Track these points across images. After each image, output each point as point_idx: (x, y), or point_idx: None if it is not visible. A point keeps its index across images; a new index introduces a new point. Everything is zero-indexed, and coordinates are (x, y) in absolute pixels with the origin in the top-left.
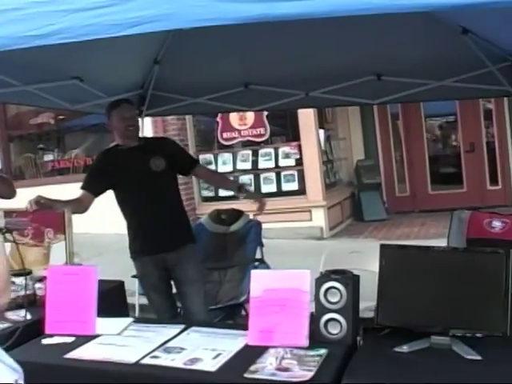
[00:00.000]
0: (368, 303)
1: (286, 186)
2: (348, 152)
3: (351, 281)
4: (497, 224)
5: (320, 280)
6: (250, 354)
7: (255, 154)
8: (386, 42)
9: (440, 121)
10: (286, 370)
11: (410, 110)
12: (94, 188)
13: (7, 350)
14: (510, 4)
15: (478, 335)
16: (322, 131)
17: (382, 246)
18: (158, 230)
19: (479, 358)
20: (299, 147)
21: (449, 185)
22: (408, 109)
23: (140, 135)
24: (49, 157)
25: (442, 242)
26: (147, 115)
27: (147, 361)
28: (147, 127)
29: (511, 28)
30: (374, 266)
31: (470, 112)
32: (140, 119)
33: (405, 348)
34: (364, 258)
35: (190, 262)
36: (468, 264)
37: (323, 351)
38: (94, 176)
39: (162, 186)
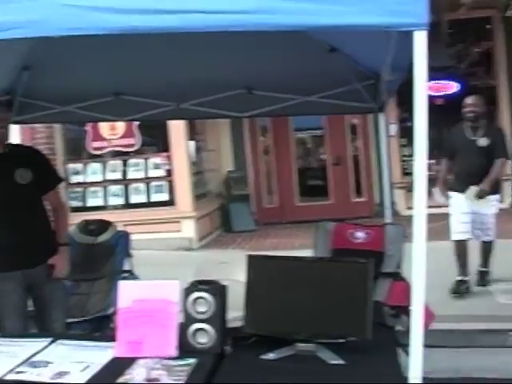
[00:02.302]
0: (236, 313)
1: (155, 197)
2: (218, 163)
3: (219, 291)
4: (360, 235)
5: (188, 290)
6: (119, 365)
7: (125, 163)
8: (257, 57)
9: (308, 134)
10: (156, 380)
11: (279, 123)
12: None
13: None
14: (370, 27)
15: (342, 341)
16: (192, 142)
17: (250, 257)
18: (19, 245)
19: (342, 362)
20: (169, 158)
21: (316, 197)
22: (277, 122)
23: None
24: None
25: (308, 253)
26: (15, 122)
27: (11, 376)
28: (14, 134)
29: (375, 48)
30: (243, 276)
31: (336, 126)
32: None
33: (271, 355)
34: (232, 268)
35: (52, 280)
36: (332, 273)
37: (192, 361)
38: None
39: (26, 199)
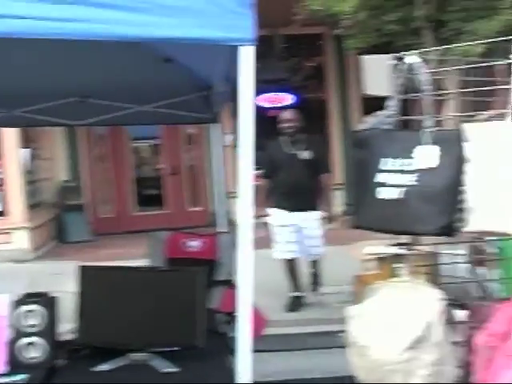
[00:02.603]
0: (69, 325)
1: None
2: (52, 172)
3: (49, 303)
4: (193, 244)
5: (17, 303)
6: None
7: None
8: (93, 65)
9: (145, 144)
10: None
11: (116, 132)
12: None
13: None
14: (201, 41)
15: (175, 349)
16: (27, 150)
17: (82, 268)
18: None
19: (175, 370)
20: (0, 166)
21: (153, 206)
22: (114, 131)
23: None
24: None
25: (144, 263)
26: None
27: None
28: None
29: (208, 60)
30: (75, 288)
31: (172, 136)
32: None
33: (104, 367)
34: (66, 279)
35: None
36: (165, 283)
37: (23, 376)
38: None
39: None
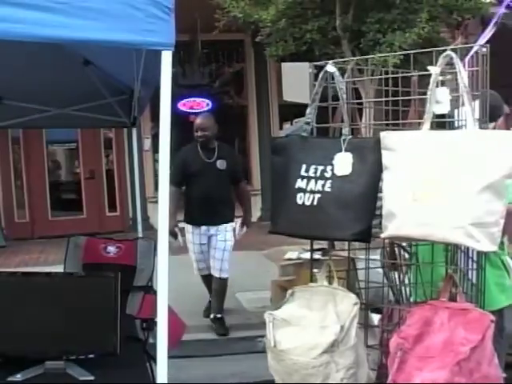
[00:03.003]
0: None
1: None
2: None
3: None
4: (111, 249)
5: None
6: None
7: None
8: (10, 65)
9: (62, 147)
10: None
11: (32, 135)
12: None
13: None
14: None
15: (91, 356)
16: None
17: None
18: None
19: (92, 378)
20: None
21: (69, 211)
22: (29, 134)
23: None
24: None
25: (61, 268)
26: None
27: None
28: None
29: (127, 63)
30: None
31: (91, 140)
32: None
33: (18, 376)
34: None
35: None
36: (82, 288)
37: None
38: None
39: None
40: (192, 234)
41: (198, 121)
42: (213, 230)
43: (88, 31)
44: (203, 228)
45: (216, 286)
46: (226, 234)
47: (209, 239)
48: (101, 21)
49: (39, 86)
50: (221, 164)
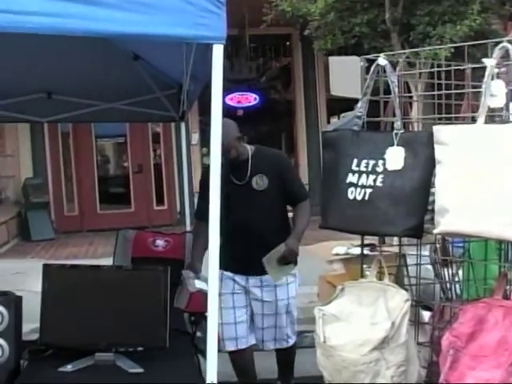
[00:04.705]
0: (33, 325)
1: None
2: (16, 169)
3: (13, 302)
4: (160, 243)
5: None
6: None
7: None
8: (60, 61)
9: (110, 141)
10: None
11: (81, 129)
12: None
13: None
14: (172, 38)
15: (140, 349)
16: None
17: (46, 266)
18: None
19: (141, 370)
20: None
21: (117, 204)
22: (79, 128)
23: None
24: None
25: (109, 261)
26: None
27: None
28: None
29: (177, 58)
30: (40, 287)
31: (139, 134)
32: None
33: (69, 367)
34: (29, 278)
35: None
36: (132, 282)
37: None
38: None
39: None
40: (226, 284)
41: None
42: (256, 281)
43: (139, 26)
44: (240, 278)
45: (283, 357)
46: (280, 286)
47: (248, 295)
48: (153, 15)
49: (89, 80)
50: (258, 182)
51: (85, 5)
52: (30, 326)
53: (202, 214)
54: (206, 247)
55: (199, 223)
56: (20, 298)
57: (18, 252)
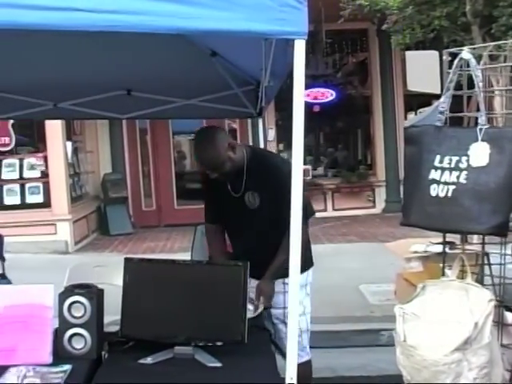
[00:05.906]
0: (113, 317)
1: (30, 199)
2: (95, 165)
3: (95, 295)
4: None
5: (63, 295)
6: None
7: None
8: (137, 58)
9: (187, 138)
10: None
11: (159, 126)
12: None
13: None
14: (252, 34)
15: (219, 343)
16: (69, 143)
17: (126, 260)
18: None
19: (220, 365)
20: (45, 159)
21: (194, 200)
22: (157, 125)
23: None
24: None
25: (187, 256)
26: None
27: None
28: None
29: (255, 54)
30: (119, 280)
31: None
32: None
33: (149, 359)
34: (109, 271)
35: None
36: (209, 276)
37: (67, 367)
38: None
39: None
40: None
41: (198, 157)
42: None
43: (221, 22)
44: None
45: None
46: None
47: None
48: (234, 11)
49: (166, 78)
50: (250, 199)
51: (168, 3)
52: (110, 318)
53: (212, 218)
54: (222, 251)
55: (211, 227)
56: (102, 291)
57: (97, 246)
